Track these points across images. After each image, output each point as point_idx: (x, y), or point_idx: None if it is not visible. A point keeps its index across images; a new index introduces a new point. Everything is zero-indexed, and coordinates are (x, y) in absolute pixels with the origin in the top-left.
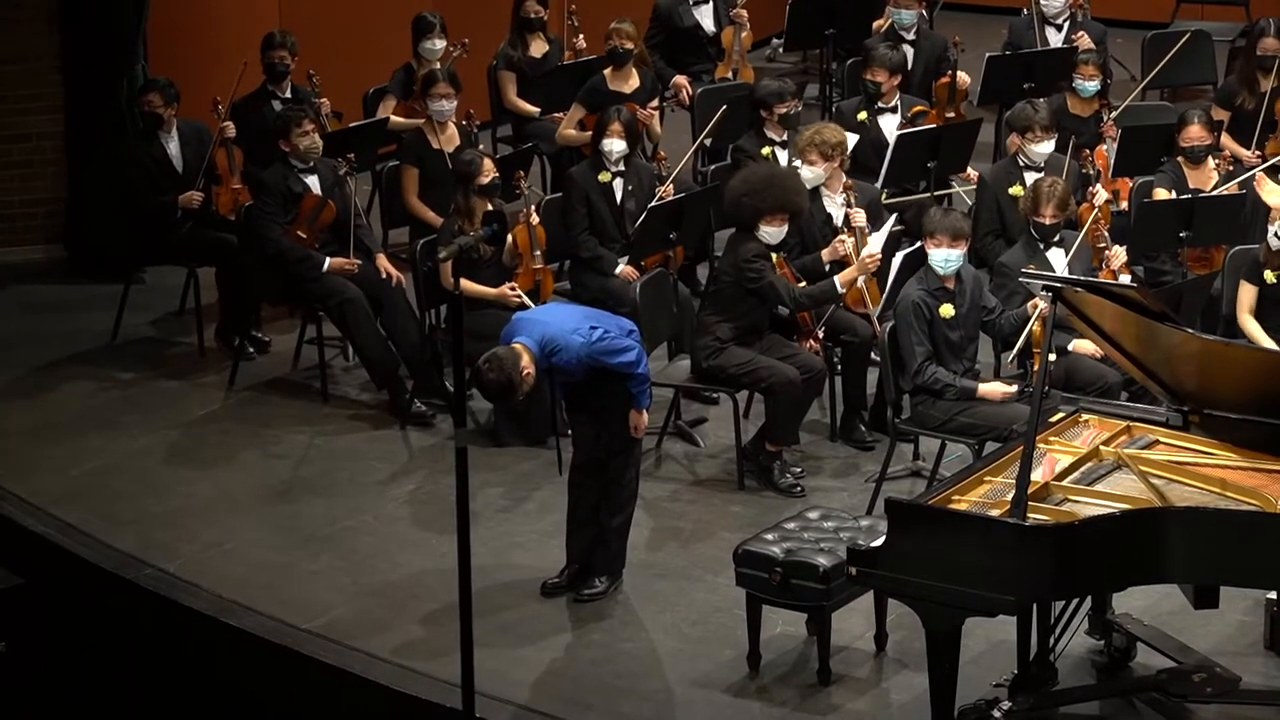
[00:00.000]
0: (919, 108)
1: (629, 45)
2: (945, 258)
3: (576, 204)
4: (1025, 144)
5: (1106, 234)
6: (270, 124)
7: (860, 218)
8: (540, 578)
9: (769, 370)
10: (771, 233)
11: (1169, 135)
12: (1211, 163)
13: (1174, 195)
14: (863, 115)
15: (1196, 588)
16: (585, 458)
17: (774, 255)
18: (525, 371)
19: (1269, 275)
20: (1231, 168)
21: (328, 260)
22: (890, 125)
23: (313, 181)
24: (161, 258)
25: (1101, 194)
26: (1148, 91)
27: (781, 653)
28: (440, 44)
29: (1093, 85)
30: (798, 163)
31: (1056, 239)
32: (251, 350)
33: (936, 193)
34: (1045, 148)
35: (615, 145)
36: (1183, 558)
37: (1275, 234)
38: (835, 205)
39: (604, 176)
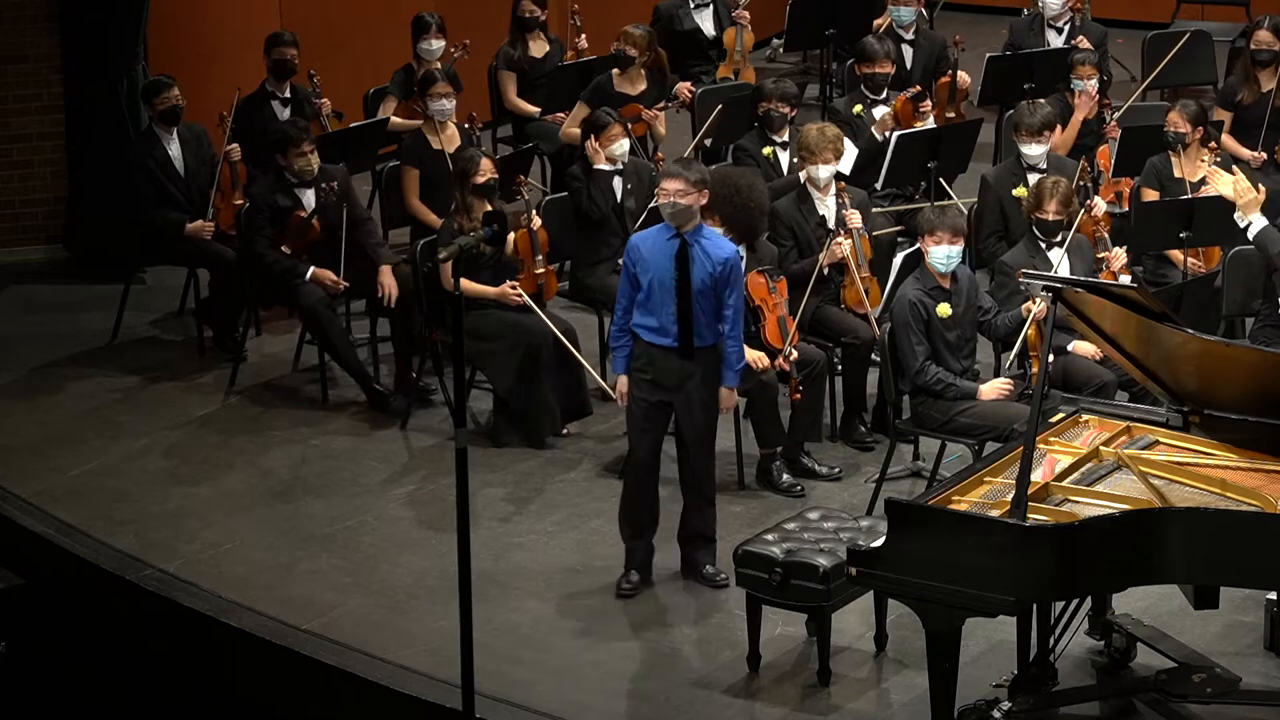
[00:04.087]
0: (914, 89)
1: (632, 52)
2: (946, 254)
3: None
4: (1017, 140)
5: (1107, 236)
6: (269, 124)
7: (856, 219)
8: (540, 578)
9: None
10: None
11: None
12: (1206, 156)
13: (1157, 192)
14: (859, 109)
15: (1196, 588)
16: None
17: None
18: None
19: None
20: (1218, 159)
21: (311, 269)
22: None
23: (308, 197)
24: (161, 259)
25: (1101, 205)
26: (1148, 92)
27: (781, 653)
28: (439, 44)
29: (1090, 84)
30: (811, 166)
31: (1058, 239)
32: (245, 349)
33: (937, 203)
34: (1031, 149)
35: (622, 146)
36: (1183, 558)
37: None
38: (827, 207)
39: None
